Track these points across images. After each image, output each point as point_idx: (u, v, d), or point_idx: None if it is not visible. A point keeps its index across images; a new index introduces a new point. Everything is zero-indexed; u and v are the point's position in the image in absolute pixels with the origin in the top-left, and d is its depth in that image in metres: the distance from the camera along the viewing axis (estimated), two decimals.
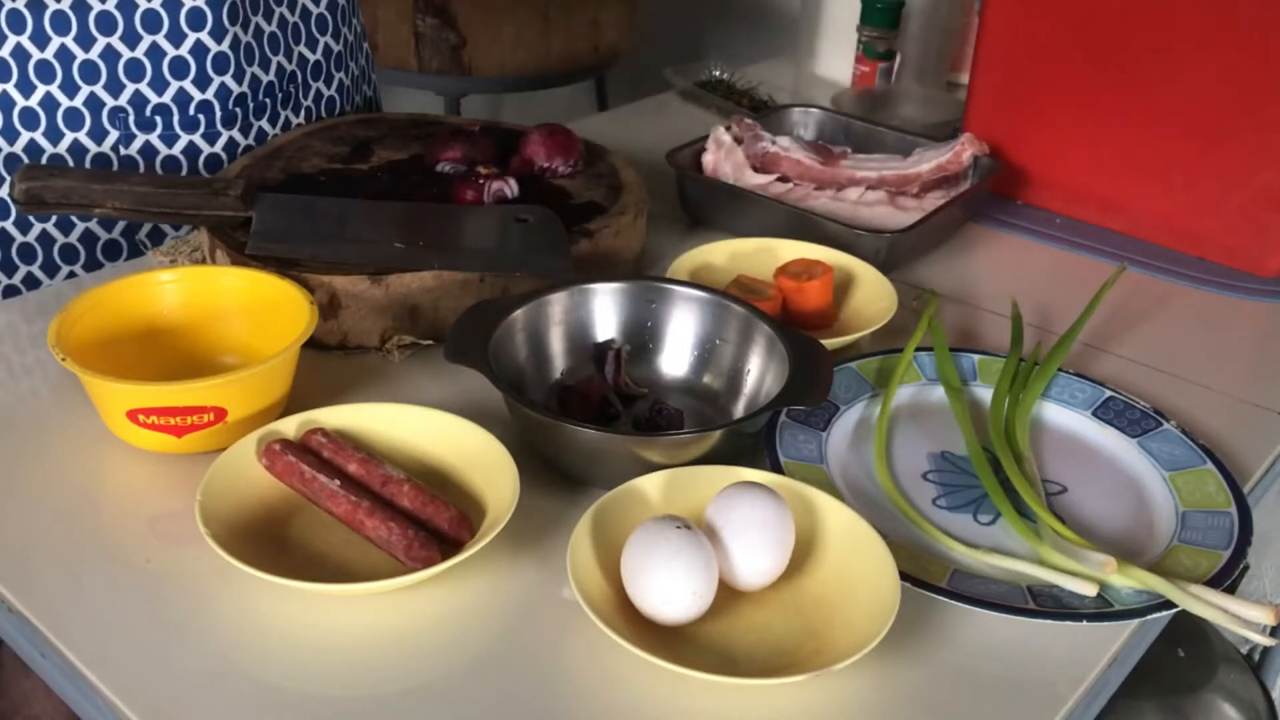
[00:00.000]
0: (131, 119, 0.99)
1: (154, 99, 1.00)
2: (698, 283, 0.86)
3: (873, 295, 0.95)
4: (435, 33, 2.04)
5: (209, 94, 1.01)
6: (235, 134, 1.05)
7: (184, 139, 1.02)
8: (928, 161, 1.15)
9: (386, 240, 0.89)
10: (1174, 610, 0.67)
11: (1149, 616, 0.67)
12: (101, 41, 0.96)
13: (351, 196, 0.96)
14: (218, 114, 1.03)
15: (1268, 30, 1.01)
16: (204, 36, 0.99)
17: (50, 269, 1.02)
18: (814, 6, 1.59)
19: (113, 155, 1.00)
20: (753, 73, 1.54)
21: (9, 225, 1.00)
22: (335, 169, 1.02)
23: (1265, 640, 0.72)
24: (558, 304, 0.84)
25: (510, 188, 0.98)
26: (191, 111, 1.01)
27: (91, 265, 1.04)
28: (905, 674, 0.64)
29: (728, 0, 2.49)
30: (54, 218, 1.00)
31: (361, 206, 0.94)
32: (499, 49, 2.07)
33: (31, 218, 0.99)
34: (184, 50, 0.99)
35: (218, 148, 1.04)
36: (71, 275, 1.03)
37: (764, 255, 0.98)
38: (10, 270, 1.01)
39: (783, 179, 1.15)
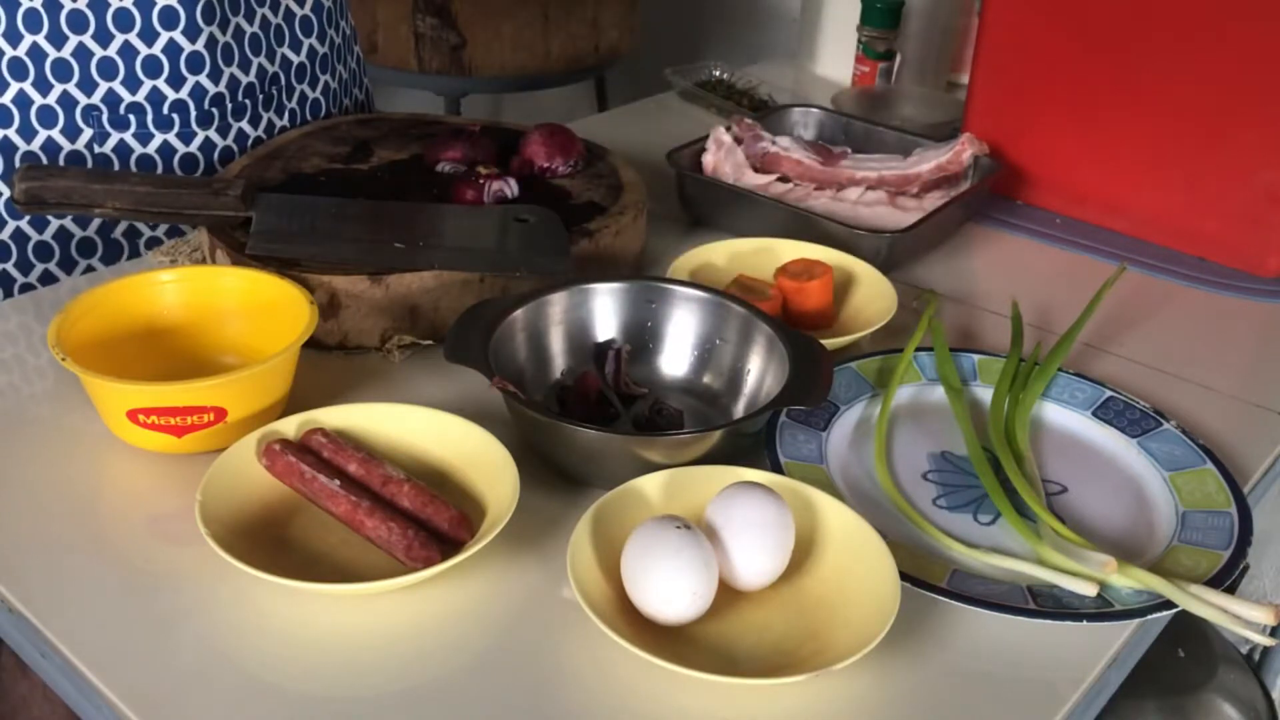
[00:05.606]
0: (105, 117, 0.99)
1: (127, 97, 0.99)
2: (698, 283, 0.86)
3: (873, 295, 0.95)
4: (435, 33, 2.04)
5: (183, 93, 1.01)
6: (212, 134, 1.04)
7: (159, 138, 1.01)
8: (928, 161, 1.15)
9: (386, 240, 0.89)
10: (1174, 610, 0.67)
11: (1149, 616, 0.67)
12: (74, 39, 0.95)
13: (351, 196, 0.96)
14: (193, 114, 1.02)
15: (1268, 30, 1.01)
16: (177, 35, 0.98)
17: (25, 267, 1.02)
18: (814, 6, 1.59)
19: (86, 153, 1.00)
20: (753, 73, 1.54)
21: None
22: (335, 169, 1.02)
23: (1265, 640, 0.72)
24: (558, 304, 0.84)
25: (510, 188, 0.98)
26: (165, 110, 1.01)
27: (66, 263, 1.03)
28: (905, 674, 0.64)
29: (727, 0, 2.49)
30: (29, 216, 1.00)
31: (361, 206, 0.94)
32: (499, 49, 2.07)
33: (8, 216, 0.99)
34: (156, 49, 0.98)
35: (193, 147, 1.03)
36: (46, 273, 1.02)
37: (764, 255, 0.98)
38: None
39: (783, 179, 1.15)
